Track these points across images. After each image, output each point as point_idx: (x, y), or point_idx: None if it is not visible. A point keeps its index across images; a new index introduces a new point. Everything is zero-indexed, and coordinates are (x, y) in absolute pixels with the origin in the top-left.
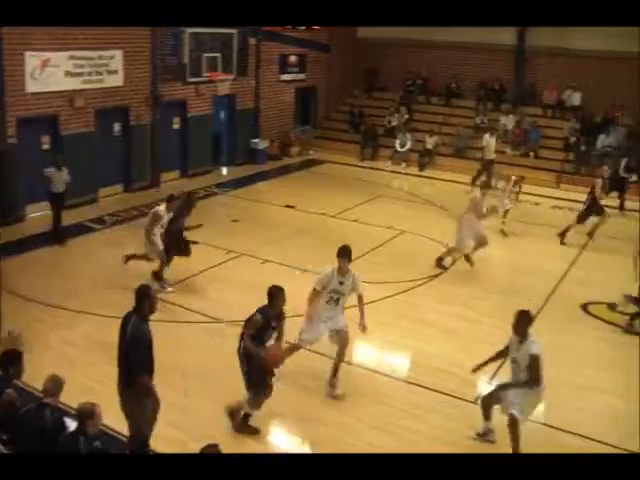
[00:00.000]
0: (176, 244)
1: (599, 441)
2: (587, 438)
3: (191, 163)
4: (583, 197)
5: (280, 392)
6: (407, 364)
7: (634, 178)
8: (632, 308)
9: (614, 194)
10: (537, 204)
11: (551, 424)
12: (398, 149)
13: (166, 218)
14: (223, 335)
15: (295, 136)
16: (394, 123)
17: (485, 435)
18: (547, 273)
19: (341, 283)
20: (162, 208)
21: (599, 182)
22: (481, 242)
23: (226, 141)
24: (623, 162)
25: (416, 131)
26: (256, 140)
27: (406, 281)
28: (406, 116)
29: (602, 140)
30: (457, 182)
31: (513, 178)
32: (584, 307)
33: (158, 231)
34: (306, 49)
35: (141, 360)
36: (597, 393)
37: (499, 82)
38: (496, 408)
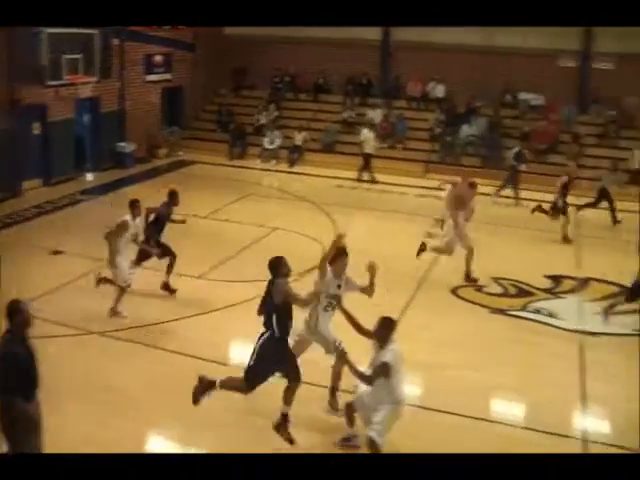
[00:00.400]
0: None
1: (470, 416)
2: (461, 415)
3: (54, 170)
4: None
5: None
6: None
7: (524, 167)
8: (497, 288)
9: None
10: (403, 194)
11: (428, 406)
12: (267, 146)
13: (134, 227)
14: (96, 347)
15: (163, 138)
16: (263, 121)
17: (349, 440)
18: (418, 260)
19: (339, 286)
20: (128, 217)
21: (563, 180)
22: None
23: (90, 146)
24: (513, 150)
25: (285, 128)
26: (122, 143)
27: None
28: (275, 113)
29: (465, 130)
30: (327, 177)
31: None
32: (454, 291)
33: (125, 244)
34: (171, 48)
35: (8, 379)
36: (468, 371)
37: (366, 77)
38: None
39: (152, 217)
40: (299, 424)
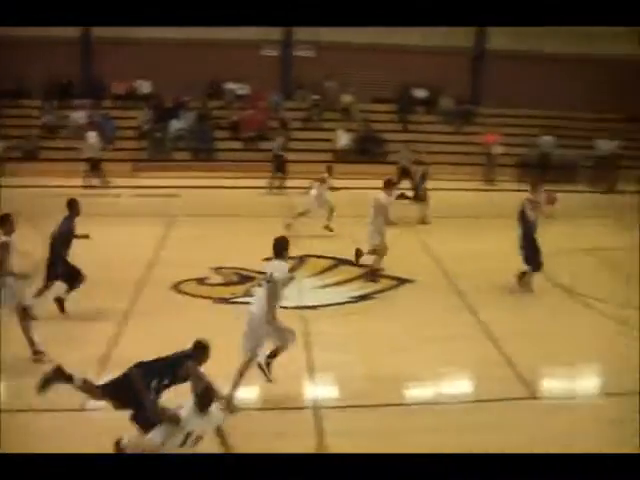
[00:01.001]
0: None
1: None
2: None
3: None
4: (161, 182)
5: None
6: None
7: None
8: (218, 278)
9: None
10: (118, 196)
11: None
12: None
13: (13, 244)
14: None
15: None
16: None
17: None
18: (137, 260)
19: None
20: (3, 237)
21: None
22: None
23: None
24: (278, 141)
25: None
26: None
27: None
28: None
29: (174, 124)
30: (33, 187)
31: (324, 174)
32: (175, 287)
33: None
34: None
35: None
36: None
37: (67, 77)
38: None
39: (55, 235)
40: None
